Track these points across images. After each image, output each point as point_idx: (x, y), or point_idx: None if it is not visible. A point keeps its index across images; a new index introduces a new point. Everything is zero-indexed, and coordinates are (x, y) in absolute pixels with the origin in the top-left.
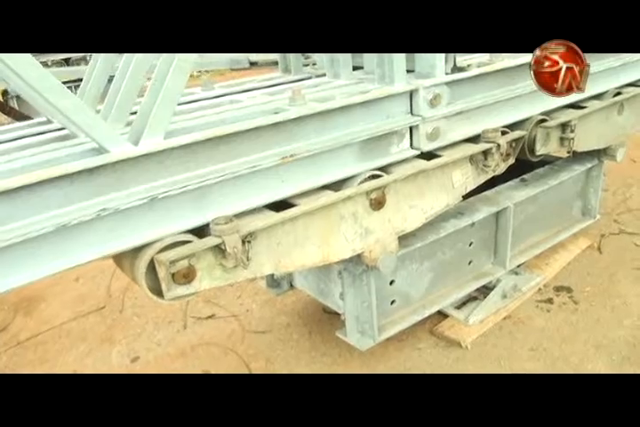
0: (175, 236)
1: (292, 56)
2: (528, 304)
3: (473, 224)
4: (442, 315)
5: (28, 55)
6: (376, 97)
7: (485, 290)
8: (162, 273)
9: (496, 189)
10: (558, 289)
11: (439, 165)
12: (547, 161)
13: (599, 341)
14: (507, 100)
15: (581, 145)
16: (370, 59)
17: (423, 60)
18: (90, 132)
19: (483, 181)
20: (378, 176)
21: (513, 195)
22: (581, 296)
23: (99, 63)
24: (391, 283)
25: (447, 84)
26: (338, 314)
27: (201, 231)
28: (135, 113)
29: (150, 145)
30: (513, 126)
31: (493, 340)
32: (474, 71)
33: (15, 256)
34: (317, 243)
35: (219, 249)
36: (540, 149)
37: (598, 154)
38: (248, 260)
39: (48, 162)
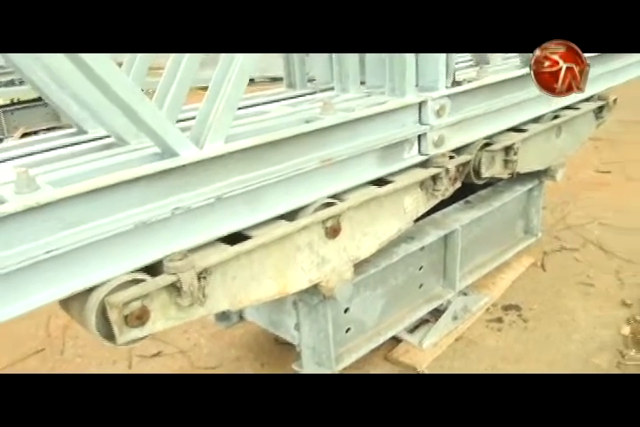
0: (123, 276)
1: (297, 72)
2: (479, 324)
3: (423, 248)
4: (396, 340)
5: (107, 57)
6: (393, 108)
7: (437, 313)
8: (114, 316)
9: (443, 211)
10: (507, 308)
11: (391, 191)
12: (489, 183)
13: (551, 357)
14: (495, 111)
15: (524, 167)
16: (372, 74)
17: (427, 74)
18: (164, 136)
19: (432, 206)
20: (331, 204)
21: (460, 217)
22: (530, 314)
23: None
24: (346, 311)
25: (449, 96)
26: (290, 345)
27: (151, 269)
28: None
29: (214, 149)
30: (461, 150)
31: (448, 363)
32: (470, 85)
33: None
34: (274, 276)
35: (173, 287)
36: (486, 172)
37: (539, 175)
38: (204, 297)
39: (111, 167)
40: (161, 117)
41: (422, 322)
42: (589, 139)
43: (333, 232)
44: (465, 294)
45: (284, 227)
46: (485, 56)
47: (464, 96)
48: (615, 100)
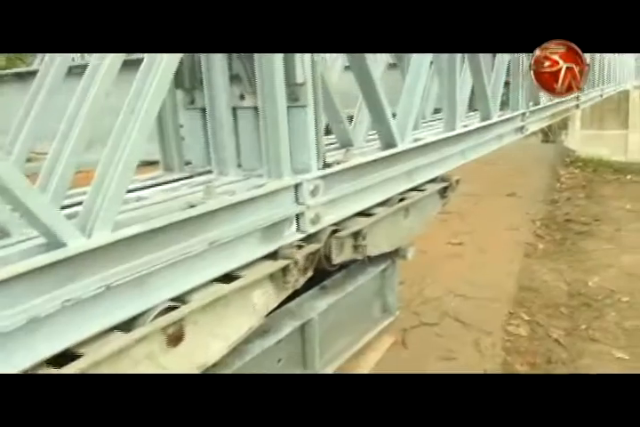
0: None
1: (174, 155)
2: None
3: (280, 341)
4: None
5: None
6: (272, 190)
7: None
8: None
9: (297, 300)
10: None
11: (238, 287)
12: (343, 265)
13: None
14: (363, 189)
15: (373, 250)
16: (249, 157)
17: (300, 157)
18: (51, 226)
19: (284, 297)
20: (174, 308)
21: (315, 305)
22: None
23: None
24: None
25: (321, 177)
26: None
27: None
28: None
29: (102, 237)
30: (309, 240)
31: None
32: (339, 167)
33: None
34: None
35: None
36: (336, 259)
37: (390, 255)
38: None
39: None
40: (47, 206)
41: None
42: (439, 212)
43: (176, 339)
44: None
45: (118, 340)
46: (349, 139)
47: (335, 176)
48: (458, 181)
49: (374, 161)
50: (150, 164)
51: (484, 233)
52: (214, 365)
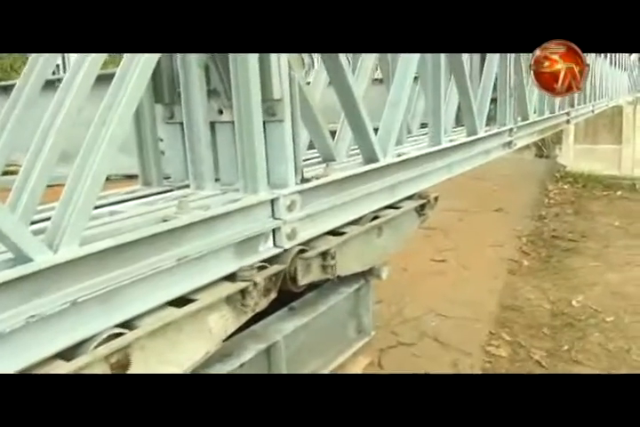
0: None
1: (152, 169)
2: None
3: (242, 365)
4: None
5: None
6: (247, 204)
7: None
8: None
9: (264, 321)
10: None
11: (191, 312)
12: (315, 284)
13: None
14: (342, 204)
15: (344, 270)
16: (226, 172)
17: (277, 172)
18: (17, 241)
19: (245, 321)
20: (119, 335)
21: (282, 327)
22: None
23: None
24: None
25: (299, 192)
26: None
27: None
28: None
29: (69, 252)
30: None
31: None
32: (318, 182)
33: None
34: None
35: None
36: (303, 280)
37: (364, 274)
38: None
39: None
40: (15, 222)
41: None
42: (422, 228)
43: (121, 368)
44: None
45: (58, 369)
46: (331, 154)
47: (313, 191)
48: (436, 198)
49: (355, 176)
50: (130, 177)
51: (468, 249)
52: None
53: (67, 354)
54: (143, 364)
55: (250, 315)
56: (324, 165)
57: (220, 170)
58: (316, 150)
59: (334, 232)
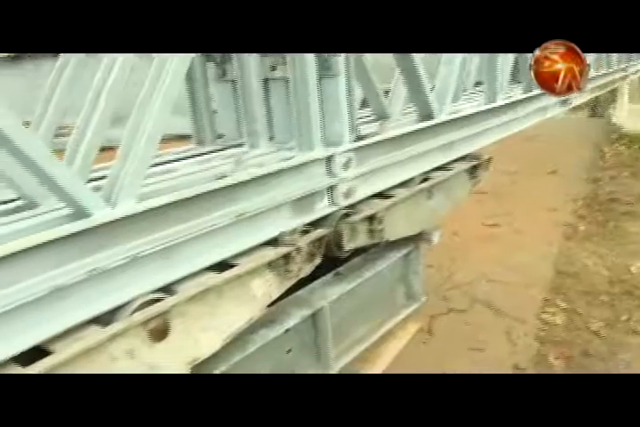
0: None
1: (206, 128)
2: None
3: (287, 330)
4: None
5: (14, 115)
6: (302, 162)
7: None
8: None
9: (310, 287)
10: None
11: (232, 277)
12: (362, 249)
13: None
14: (397, 162)
15: (393, 234)
16: (280, 130)
17: (332, 130)
18: (76, 197)
19: (288, 287)
20: (158, 300)
21: (328, 293)
22: None
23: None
24: None
25: (354, 150)
26: None
27: None
28: None
29: (127, 208)
30: (316, 224)
31: None
32: (373, 139)
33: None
34: None
35: None
36: (348, 245)
37: (414, 238)
38: None
39: (21, 232)
40: (72, 178)
41: None
42: (473, 192)
43: (160, 334)
44: None
45: (93, 335)
46: (385, 112)
47: (368, 149)
48: (490, 160)
49: (410, 133)
50: (183, 138)
51: (522, 214)
52: (214, 355)
53: (103, 318)
54: (183, 330)
55: (294, 280)
56: (377, 123)
57: (274, 128)
58: (367, 109)
59: (382, 195)
